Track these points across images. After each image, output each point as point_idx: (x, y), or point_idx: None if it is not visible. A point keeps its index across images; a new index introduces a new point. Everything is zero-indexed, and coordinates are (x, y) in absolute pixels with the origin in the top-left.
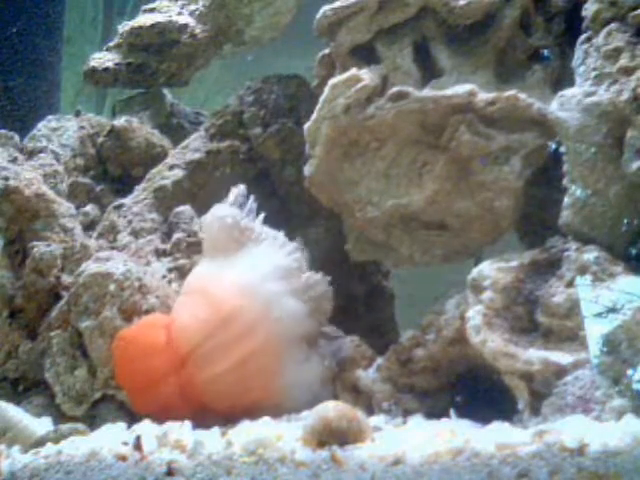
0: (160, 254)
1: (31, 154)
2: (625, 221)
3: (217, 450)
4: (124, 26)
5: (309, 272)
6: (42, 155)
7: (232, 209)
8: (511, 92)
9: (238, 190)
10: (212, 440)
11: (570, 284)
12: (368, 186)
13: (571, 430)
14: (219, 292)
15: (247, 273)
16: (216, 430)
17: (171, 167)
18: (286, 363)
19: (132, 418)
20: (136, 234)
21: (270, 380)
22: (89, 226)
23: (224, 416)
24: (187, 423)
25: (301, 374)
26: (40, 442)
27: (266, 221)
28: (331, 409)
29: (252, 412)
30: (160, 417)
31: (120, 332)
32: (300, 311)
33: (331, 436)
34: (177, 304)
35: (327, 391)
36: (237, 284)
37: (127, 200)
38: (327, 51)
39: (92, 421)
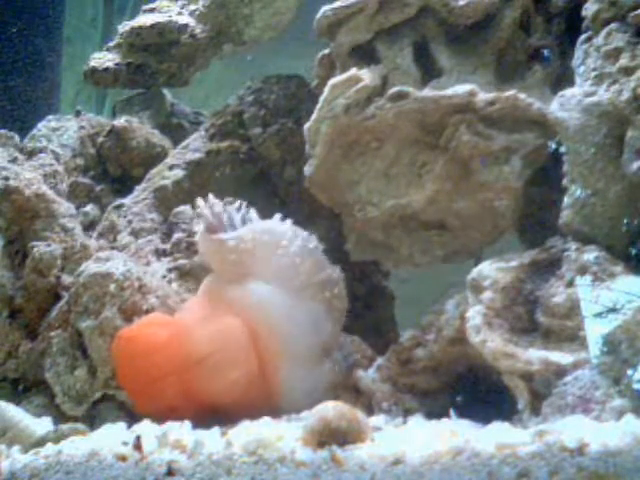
0: (160, 254)
1: (31, 154)
2: (625, 221)
3: (217, 450)
4: (124, 26)
5: (329, 269)
6: (42, 155)
7: (214, 237)
8: (511, 92)
9: (210, 206)
10: (212, 440)
11: (570, 284)
12: (368, 186)
13: (571, 430)
14: (230, 304)
15: (255, 286)
16: (216, 430)
17: (171, 167)
18: (295, 373)
19: (132, 418)
20: (136, 234)
21: (276, 389)
22: (89, 226)
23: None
24: (187, 423)
25: (310, 383)
26: (40, 442)
27: None
28: (331, 409)
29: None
30: (160, 417)
31: (120, 331)
32: (313, 319)
33: (331, 436)
34: (190, 305)
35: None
36: (247, 297)
37: (127, 200)
38: (327, 51)
39: (92, 421)
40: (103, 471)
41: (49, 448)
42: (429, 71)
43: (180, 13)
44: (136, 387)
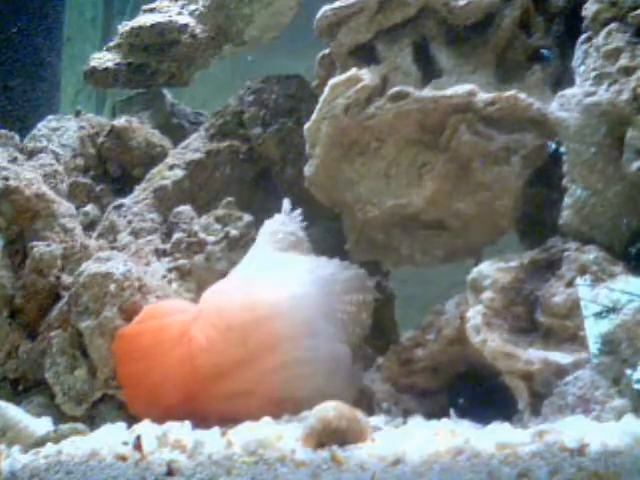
0: (160, 254)
1: (31, 154)
2: (625, 221)
3: (217, 450)
4: (124, 26)
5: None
6: (42, 155)
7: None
8: (511, 92)
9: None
10: (212, 440)
11: (570, 284)
12: (368, 186)
13: (571, 430)
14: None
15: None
16: (216, 430)
17: (171, 167)
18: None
19: (132, 418)
20: (136, 234)
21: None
22: (89, 226)
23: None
24: (187, 423)
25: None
26: (40, 442)
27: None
28: (331, 409)
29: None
30: (157, 417)
31: (120, 330)
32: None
33: (331, 436)
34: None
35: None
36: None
37: (127, 200)
38: (327, 51)
39: (92, 421)
40: (103, 471)
41: (49, 448)
42: (429, 71)
43: (180, 13)
44: (135, 387)
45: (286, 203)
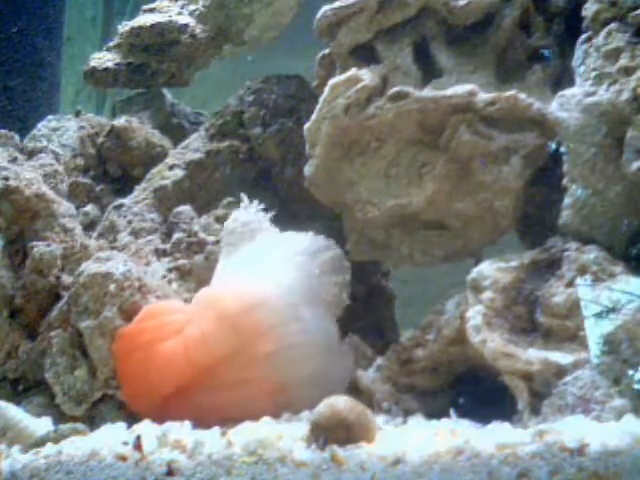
0: (160, 254)
1: (31, 154)
2: (625, 221)
3: (217, 450)
4: (124, 26)
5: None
6: (42, 155)
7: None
8: (511, 92)
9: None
10: (212, 440)
11: (570, 284)
12: (368, 186)
13: (571, 430)
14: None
15: (265, 280)
16: (216, 430)
17: (171, 167)
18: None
19: (132, 418)
20: (136, 234)
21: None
22: (89, 226)
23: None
24: (187, 423)
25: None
26: (40, 442)
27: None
28: (342, 402)
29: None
30: (155, 416)
31: (120, 330)
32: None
33: (338, 425)
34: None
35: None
36: (251, 294)
37: (127, 200)
38: (327, 51)
39: (92, 421)
40: (103, 471)
41: (49, 448)
42: (429, 71)
43: (180, 13)
44: (135, 386)
45: (244, 198)
